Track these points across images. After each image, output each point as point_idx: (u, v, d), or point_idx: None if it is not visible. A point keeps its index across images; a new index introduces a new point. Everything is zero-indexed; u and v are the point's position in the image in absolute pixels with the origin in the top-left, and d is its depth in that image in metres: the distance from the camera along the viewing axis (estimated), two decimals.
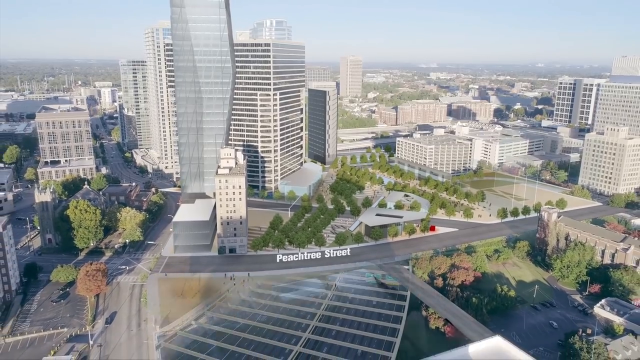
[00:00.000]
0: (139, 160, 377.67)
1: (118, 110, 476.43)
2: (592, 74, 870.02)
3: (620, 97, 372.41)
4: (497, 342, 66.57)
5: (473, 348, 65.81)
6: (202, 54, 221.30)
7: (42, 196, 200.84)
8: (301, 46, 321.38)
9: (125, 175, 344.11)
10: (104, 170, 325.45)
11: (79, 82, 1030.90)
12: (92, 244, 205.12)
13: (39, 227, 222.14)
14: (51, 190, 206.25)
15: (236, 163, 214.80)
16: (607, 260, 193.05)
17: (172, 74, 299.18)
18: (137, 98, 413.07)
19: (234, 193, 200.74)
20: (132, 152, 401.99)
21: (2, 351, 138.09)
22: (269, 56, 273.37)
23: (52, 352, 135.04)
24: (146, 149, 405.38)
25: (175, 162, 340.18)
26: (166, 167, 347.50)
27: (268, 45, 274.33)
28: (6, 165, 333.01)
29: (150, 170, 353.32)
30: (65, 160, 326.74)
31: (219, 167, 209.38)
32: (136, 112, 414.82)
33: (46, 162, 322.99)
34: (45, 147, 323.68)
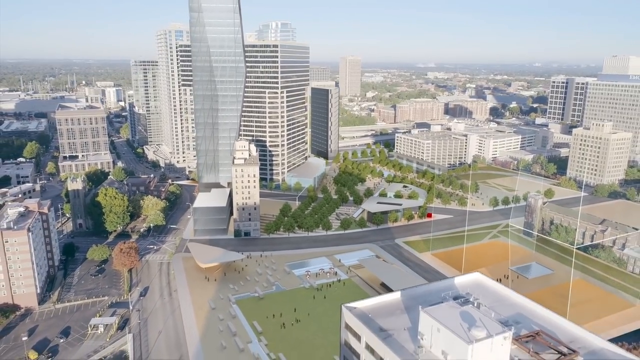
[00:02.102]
0: (150, 156, 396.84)
1: (128, 108, 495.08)
2: (589, 73, 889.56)
3: (607, 95, 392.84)
4: (477, 276, 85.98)
5: (457, 280, 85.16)
6: (217, 55, 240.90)
7: (74, 184, 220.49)
8: (306, 47, 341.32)
9: (138, 170, 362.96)
10: (119, 165, 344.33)
11: (83, 82, 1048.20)
12: (119, 228, 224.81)
13: (67, 214, 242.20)
14: (82, 179, 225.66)
15: (249, 155, 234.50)
16: (587, 240, 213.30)
17: (185, 73, 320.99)
18: (148, 96, 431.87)
19: (248, 181, 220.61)
20: (143, 148, 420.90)
21: (53, 315, 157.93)
22: (276, 57, 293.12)
23: (98, 315, 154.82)
24: (157, 145, 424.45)
25: (186, 157, 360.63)
26: (178, 162, 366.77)
27: (276, 46, 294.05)
28: (27, 160, 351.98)
29: (162, 164, 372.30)
30: (82, 155, 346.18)
31: (234, 158, 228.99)
32: (146, 110, 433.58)
33: (65, 157, 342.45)
34: (65, 142, 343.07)
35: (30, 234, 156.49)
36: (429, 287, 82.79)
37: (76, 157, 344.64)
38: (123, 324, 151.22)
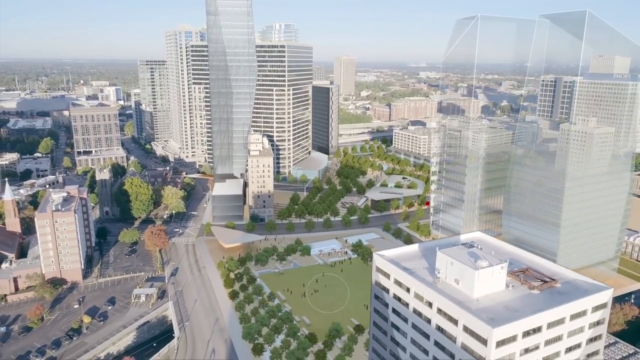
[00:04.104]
0: (159, 151, 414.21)
1: (134, 106, 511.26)
2: (577, 72, 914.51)
3: (593, 93, 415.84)
4: (478, 234, 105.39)
5: (462, 236, 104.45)
6: (232, 54, 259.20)
7: (102, 175, 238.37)
8: (309, 47, 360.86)
9: (148, 164, 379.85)
10: (133, 159, 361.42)
11: (81, 81, 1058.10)
12: (143, 215, 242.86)
13: (92, 203, 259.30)
14: (109, 170, 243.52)
15: (263, 147, 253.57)
16: None
17: (197, 72, 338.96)
18: (154, 95, 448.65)
19: (263, 171, 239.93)
20: (151, 144, 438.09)
21: (97, 287, 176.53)
22: (283, 57, 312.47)
23: (138, 287, 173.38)
24: (164, 141, 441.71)
25: (196, 152, 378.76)
26: (187, 157, 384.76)
27: (283, 47, 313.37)
28: (43, 155, 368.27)
29: (171, 159, 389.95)
30: (96, 150, 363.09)
31: (249, 150, 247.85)
32: (153, 108, 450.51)
33: (79, 152, 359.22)
34: (79, 138, 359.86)
35: (76, 215, 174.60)
36: (440, 241, 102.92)
37: (90, 152, 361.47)
38: (161, 294, 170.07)
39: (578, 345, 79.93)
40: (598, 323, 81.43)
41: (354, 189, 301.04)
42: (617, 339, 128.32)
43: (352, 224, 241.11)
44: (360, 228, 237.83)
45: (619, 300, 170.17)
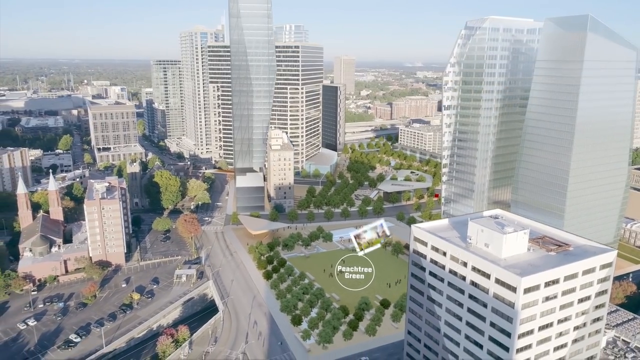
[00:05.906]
0: (173, 148, 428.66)
1: (145, 105, 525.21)
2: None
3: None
4: (500, 211, 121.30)
5: (485, 213, 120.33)
6: (253, 54, 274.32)
7: (132, 168, 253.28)
8: (320, 48, 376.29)
9: (165, 160, 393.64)
10: (151, 155, 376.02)
11: (85, 81, 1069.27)
12: (171, 206, 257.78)
13: None
14: (139, 163, 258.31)
15: (283, 142, 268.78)
16: None
17: (213, 71, 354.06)
18: (167, 93, 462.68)
19: (284, 164, 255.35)
20: (165, 141, 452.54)
21: (140, 270, 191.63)
22: (297, 57, 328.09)
23: (179, 268, 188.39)
24: (178, 138, 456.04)
25: (211, 148, 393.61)
26: (202, 153, 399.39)
27: (297, 47, 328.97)
28: (64, 152, 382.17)
29: (186, 155, 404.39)
30: (114, 147, 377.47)
31: (270, 145, 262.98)
32: (166, 106, 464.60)
33: (99, 149, 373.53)
34: (98, 135, 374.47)
35: (120, 202, 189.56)
36: (465, 216, 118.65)
37: (108, 148, 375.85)
38: (200, 275, 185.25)
39: (588, 297, 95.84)
40: (604, 279, 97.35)
41: (366, 183, 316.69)
42: (618, 307, 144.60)
43: (367, 213, 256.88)
44: (375, 218, 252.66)
45: (618, 279, 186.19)
